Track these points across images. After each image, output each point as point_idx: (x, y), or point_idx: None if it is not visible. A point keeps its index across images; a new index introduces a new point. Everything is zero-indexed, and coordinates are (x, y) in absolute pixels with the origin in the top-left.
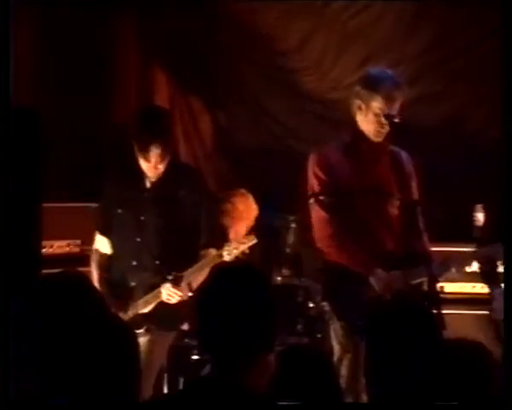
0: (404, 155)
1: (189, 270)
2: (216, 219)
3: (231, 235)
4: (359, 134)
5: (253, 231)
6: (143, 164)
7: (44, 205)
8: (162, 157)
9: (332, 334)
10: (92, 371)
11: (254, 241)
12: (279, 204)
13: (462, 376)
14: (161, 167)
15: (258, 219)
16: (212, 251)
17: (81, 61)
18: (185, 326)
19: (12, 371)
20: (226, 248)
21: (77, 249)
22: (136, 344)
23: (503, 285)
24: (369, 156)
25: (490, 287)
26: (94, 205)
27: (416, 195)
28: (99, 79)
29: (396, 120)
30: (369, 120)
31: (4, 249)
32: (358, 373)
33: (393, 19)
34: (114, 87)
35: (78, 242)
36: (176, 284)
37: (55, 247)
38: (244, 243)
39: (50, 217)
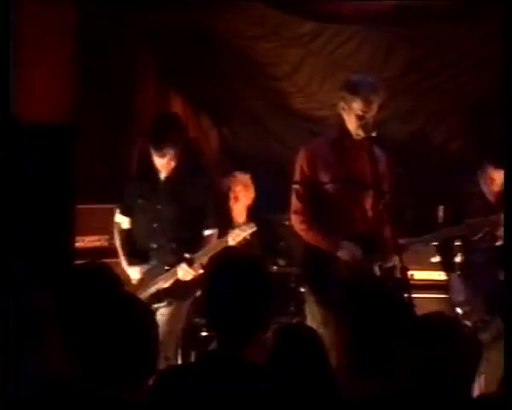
0: (379, 152)
1: (200, 252)
2: (218, 206)
3: (233, 213)
4: (344, 131)
5: (252, 217)
6: (158, 162)
7: (78, 206)
8: (173, 156)
9: (307, 311)
10: (114, 345)
11: (254, 228)
12: (275, 205)
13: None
14: (173, 164)
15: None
16: (216, 233)
17: (109, 86)
18: (198, 293)
19: (12, 371)
20: (230, 234)
21: (105, 244)
22: (153, 321)
23: (458, 272)
24: (350, 151)
25: (447, 274)
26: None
27: (387, 188)
28: (124, 101)
29: (373, 135)
30: (351, 120)
31: (44, 243)
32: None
33: (370, 50)
34: (137, 108)
35: (107, 237)
36: (190, 264)
37: (86, 241)
38: (246, 230)
39: (83, 216)
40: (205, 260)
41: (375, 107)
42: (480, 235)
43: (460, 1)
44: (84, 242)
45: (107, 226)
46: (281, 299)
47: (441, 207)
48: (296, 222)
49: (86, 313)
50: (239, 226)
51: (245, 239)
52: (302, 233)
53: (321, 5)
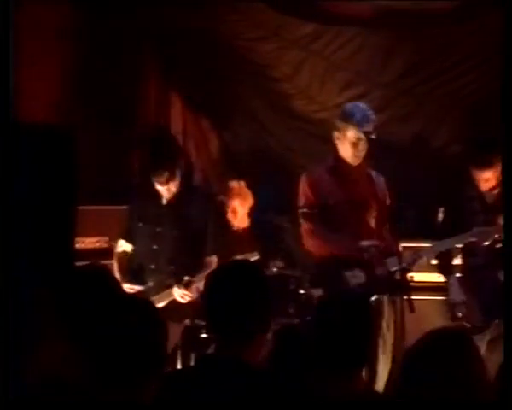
0: (378, 176)
1: (198, 276)
2: (218, 233)
3: (229, 214)
4: (340, 159)
5: (253, 219)
6: (159, 187)
7: (78, 208)
8: (171, 181)
9: None
10: (119, 347)
11: (256, 257)
12: (275, 206)
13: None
14: (173, 189)
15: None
16: (215, 260)
17: (110, 89)
18: (187, 321)
19: (12, 371)
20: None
21: (105, 245)
22: (160, 322)
23: (457, 274)
24: (349, 177)
25: (445, 276)
26: (118, 208)
27: (387, 209)
28: (125, 105)
29: (373, 136)
30: (346, 148)
31: (44, 244)
32: None
33: (369, 53)
34: (137, 111)
35: (106, 238)
36: (187, 286)
37: (86, 242)
38: (248, 257)
39: (83, 218)
40: (202, 284)
41: (370, 133)
42: (488, 242)
43: (460, 2)
44: (84, 243)
45: (106, 228)
46: (281, 301)
47: (441, 209)
48: (310, 245)
49: (89, 314)
50: (242, 254)
51: None
52: (319, 251)
53: (321, 7)
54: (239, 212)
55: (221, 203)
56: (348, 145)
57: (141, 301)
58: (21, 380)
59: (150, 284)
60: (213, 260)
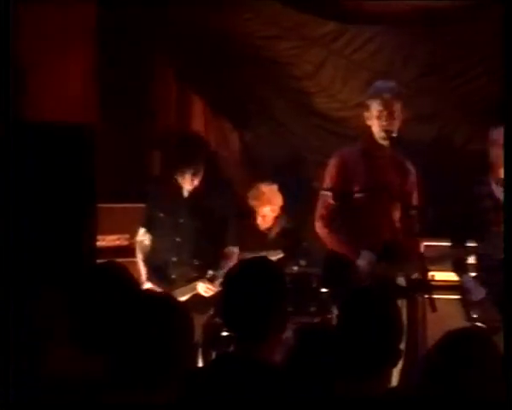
0: (409, 165)
1: (223, 270)
2: (239, 223)
3: (258, 218)
4: (372, 141)
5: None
6: (181, 181)
7: (99, 206)
8: (195, 176)
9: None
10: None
11: (280, 255)
12: (297, 205)
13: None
14: (196, 182)
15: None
16: (236, 251)
17: (130, 86)
18: (211, 311)
19: (12, 371)
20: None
21: (125, 243)
22: (187, 320)
23: (472, 273)
24: (380, 161)
25: (459, 275)
26: (139, 206)
27: (415, 201)
28: (145, 105)
29: (394, 135)
30: (374, 125)
31: (65, 243)
32: None
33: (391, 50)
34: (157, 111)
35: (127, 236)
36: (212, 281)
37: (107, 240)
38: (272, 256)
39: (104, 216)
40: None
41: (395, 110)
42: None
43: (481, 1)
44: (105, 241)
45: (126, 225)
46: (302, 299)
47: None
48: (320, 227)
49: (107, 312)
50: (266, 252)
51: None
52: (324, 238)
53: (341, 6)
54: (268, 216)
55: (251, 209)
56: (375, 121)
57: (162, 298)
58: (32, 382)
59: (173, 276)
60: (234, 251)
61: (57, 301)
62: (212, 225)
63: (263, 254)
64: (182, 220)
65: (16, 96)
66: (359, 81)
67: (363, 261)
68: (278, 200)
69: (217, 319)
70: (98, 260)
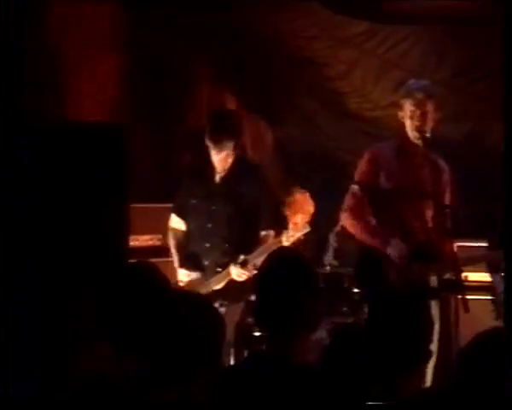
0: (443, 164)
1: (254, 253)
2: (273, 207)
3: (289, 225)
4: (406, 139)
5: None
6: (215, 157)
7: (132, 206)
8: (233, 150)
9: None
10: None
11: (308, 229)
12: (329, 206)
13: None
14: (230, 161)
15: (314, 215)
16: (272, 233)
17: (163, 87)
18: (252, 297)
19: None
20: (285, 234)
21: (158, 243)
22: (217, 319)
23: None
24: (413, 159)
25: (492, 275)
26: (171, 206)
27: (448, 200)
28: (178, 103)
29: (427, 135)
30: (407, 124)
31: (97, 243)
32: None
33: (423, 51)
34: (191, 108)
35: (160, 236)
36: (243, 265)
37: (140, 240)
38: (300, 231)
39: (136, 216)
40: (259, 261)
41: (428, 110)
42: None
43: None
44: (138, 241)
45: (159, 225)
46: (334, 299)
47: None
48: (347, 217)
49: (141, 312)
50: (293, 227)
51: (299, 239)
52: (351, 228)
53: (374, 6)
54: (300, 223)
55: (284, 216)
56: (408, 121)
57: (193, 298)
58: (64, 380)
59: (206, 263)
60: (269, 235)
61: (91, 302)
62: (245, 210)
63: (289, 231)
64: (214, 207)
65: (45, 96)
66: (391, 81)
67: (393, 251)
68: (310, 208)
69: (249, 319)
70: (131, 261)
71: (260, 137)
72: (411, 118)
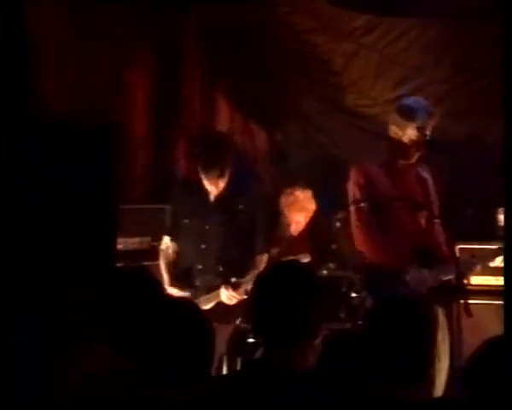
0: (427, 176)
1: (247, 277)
2: (269, 226)
3: (292, 226)
4: (395, 155)
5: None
6: (207, 182)
7: (122, 207)
8: (221, 177)
9: None
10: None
11: (308, 259)
12: (325, 205)
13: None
14: (222, 185)
15: (316, 214)
16: (266, 257)
17: (155, 85)
18: (238, 321)
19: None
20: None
21: (147, 246)
22: (207, 324)
23: None
24: (401, 173)
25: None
26: (160, 207)
27: (437, 211)
28: (169, 100)
29: (427, 137)
30: (404, 145)
31: (84, 245)
32: None
33: (424, 46)
34: (181, 110)
35: (148, 239)
36: (235, 288)
37: (128, 243)
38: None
39: (124, 217)
40: (251, 285)
41: (429, 132)
42: None
43: None
44: (125, 244)
45: (147, 228)
46: (331, 304)
47: (501, 209)
48: (362, 242)
49: (131, 317)
50: (293, 256)
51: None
52: (369, 252)
53: None
54: (301, 223)
55: (282, 215)
56: (406, 143)
57: (185, 303)
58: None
59: (197, 284)
60: (264, 259)
61: (83, 303)
62: (240, 230)
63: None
64: (208, 227)
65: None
66: (391, 77)
67: (411, 279)
68: (312, 206)
69: (243, 325)
70: (118, 264)
71: (252, 141)
72: (413, 145)
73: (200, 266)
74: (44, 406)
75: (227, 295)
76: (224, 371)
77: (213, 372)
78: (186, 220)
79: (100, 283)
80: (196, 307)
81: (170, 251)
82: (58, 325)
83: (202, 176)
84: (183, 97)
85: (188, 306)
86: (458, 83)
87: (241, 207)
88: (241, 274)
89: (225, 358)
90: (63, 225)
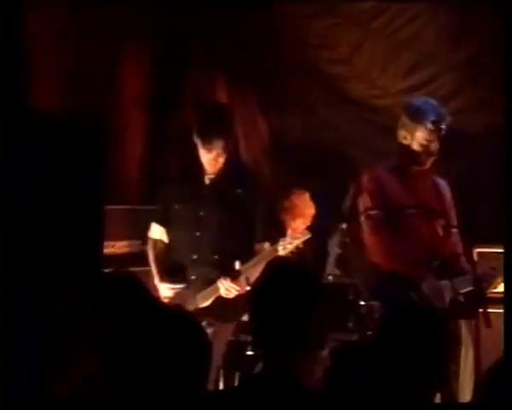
0: (444, 184)
1: (246, 265)
2: (270, 214)
3: (288, 231)
4: (405, 161)
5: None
6: (205, 157)
7: (107, 207)
8: (224, 150)
9: None
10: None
11: (308, 235)
12: (330, 207)
13: None
14: (221, 161)
15: (315, 218)
16: (268, 245)
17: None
18: (245, 317)
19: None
20: (281, 242)
21: (137, 249)
22: (202, 336)
23: None
24: (415, 180)
25: None
26: (153, 207)
27: (454, 221)
28: (161, 86)
29: (443, 127)
30: (414, 150)
31: (69, 248)
32: None
33: (437, 31)
34: (176, 93)
35: (139, 242)
36: (234, 278)
37: (116, 247)
38: (298, 238)
39: (112, 219)
40: (252, 274)
41: (442, 135)
42: None
43: None
44: (114, 248)
45: (138, 230)
46: (337, 313)
47: None
48: (377, 252)
49: (118, 327)
50: (291, 234)
51: (297, 248)
52: (385, 263)
53: None
54: (299, 228)
55: (281, 222)
56: (416, 147)
57: (178, 313)
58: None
59: (192, 277)
60: (265, 248)
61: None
62: (238, 217)
63: (287, 238)
64: (202, 213)
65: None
66: (401, 65)
67: (429, 289)
68: (310, 210)
69: (241, 337)
70: (106, 270)
71: (254, 127)
72: (423, 146)
73: (194, 257)
74: (44, 406)
75: (226, 287)
76: (221, 386)
77: (210, 388)
78: (178, 206)
79: (85, 290)
80: (191, 317)
81: (158, 238)
82: (58, 325)
83: (201, 150)
84: (178, 86)
85: (181, 316)
86: (477, 71)
87: (239, 191)
88: (240, 262)
89: (222, 372)
90: (43, 228)
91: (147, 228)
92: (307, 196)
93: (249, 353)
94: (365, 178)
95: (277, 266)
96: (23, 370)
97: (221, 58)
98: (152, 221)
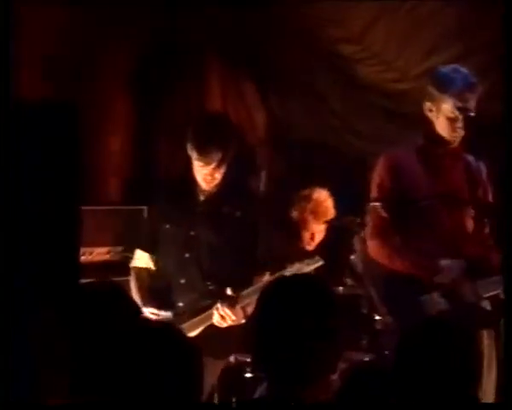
0: (479, 164)
1: (246, 291)
2: (273, 241)
3: (307, 235)
4: (432, 137)
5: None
6: (200, 172)
7: (84, 208)
8: (220, 164)
9: None
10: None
11: (320, 262)
12: (341, 206)
13: None
14: (218, 177)
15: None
16: (268, 277)
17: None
18: (232, 358)
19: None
20: (289, 269)
21: (118, 257)
22: (184, 348)
23: None
24: (442, 161)
25: None
26: (136, 208)
27: (490, 206)
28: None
29: (471, 114)
30: (441, 123)
31: (40, 256)
32: None
33: (461, 7)
34: (164, 80)
35: (120, 248)
36: (231, 305)
37: (94, 254)
38: (308, 265)
39: (90, 221)
40: (250, 303)
41: (471, 106)
42: None
43: None
44: (91, 255)
45: (120, 234)
46: (349, 329)
47: None
48: (376, 246)
49: (100, 342)
50: (301, 261)
51: None
52: (384, 259)
53: None
54: (320, 233)
55: (296, 224)
56: (443, 120)
57: (166, 328)
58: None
59: (180, 304)
60: (264, 279)
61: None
62: (235, 240)
63: (295, 265)
64: (193, 233)
65: None
66: (421, 44)
67: (443, 276)
68: (332, 211)
69: (238, 357)
70: (83, 280)
71: (249, 115)
72: (451, 120)
73: (182, 281)
74: (44, 406)
75: (220, 313)
76: None
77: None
78: (167, 226)
79: (60, 303)
80: (179, 332)
81: (144, 266)
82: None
83: (195, 163)
84: (168, 77)
85: (169, 329)
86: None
87: (236, 211)
88: (239, 287)
89: (216, 397)
90: (8, 232)
91: (129, 231)
92: (326, 193)
93: (248, 375)
94: (380, 163)
95: (284, 279)
96: (25, 368)
97: (215, 40)
98: (135, 225)
